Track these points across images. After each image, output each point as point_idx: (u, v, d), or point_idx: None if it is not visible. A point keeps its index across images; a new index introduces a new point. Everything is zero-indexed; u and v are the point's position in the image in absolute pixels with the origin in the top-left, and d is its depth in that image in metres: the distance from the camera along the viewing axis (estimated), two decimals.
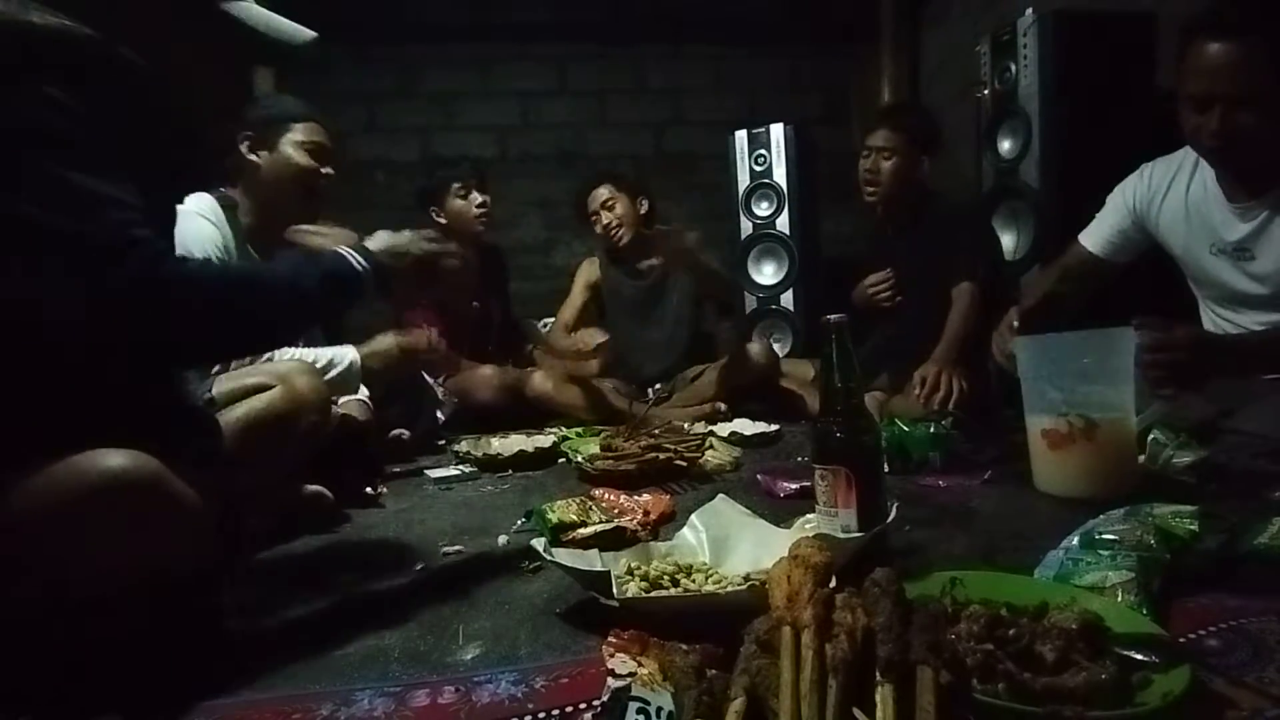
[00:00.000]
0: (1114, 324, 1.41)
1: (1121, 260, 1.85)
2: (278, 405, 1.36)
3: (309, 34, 1.11)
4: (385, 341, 1.94)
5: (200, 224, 1.57)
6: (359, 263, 1.08)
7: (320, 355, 1.70)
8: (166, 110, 0.99)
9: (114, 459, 0.85)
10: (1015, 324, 1.69)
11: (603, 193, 2.74)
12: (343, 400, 1.76)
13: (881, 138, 2.35)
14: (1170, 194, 1.71)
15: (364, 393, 1.85)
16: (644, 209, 2.78)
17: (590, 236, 2.88)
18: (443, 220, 2.71)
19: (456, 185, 2.68)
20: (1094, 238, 1.86)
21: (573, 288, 2.93)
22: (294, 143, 1.74)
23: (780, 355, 2.79)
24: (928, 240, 2.34)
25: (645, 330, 2.78)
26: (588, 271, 2.92)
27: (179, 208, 1.48)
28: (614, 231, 2.71)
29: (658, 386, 2.39)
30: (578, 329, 2.88)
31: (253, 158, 1.72)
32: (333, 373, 1.68)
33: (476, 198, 2.69)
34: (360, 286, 1.08)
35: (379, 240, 1.14)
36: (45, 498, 0.83)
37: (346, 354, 1.74)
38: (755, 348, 2.61)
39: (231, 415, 1.30)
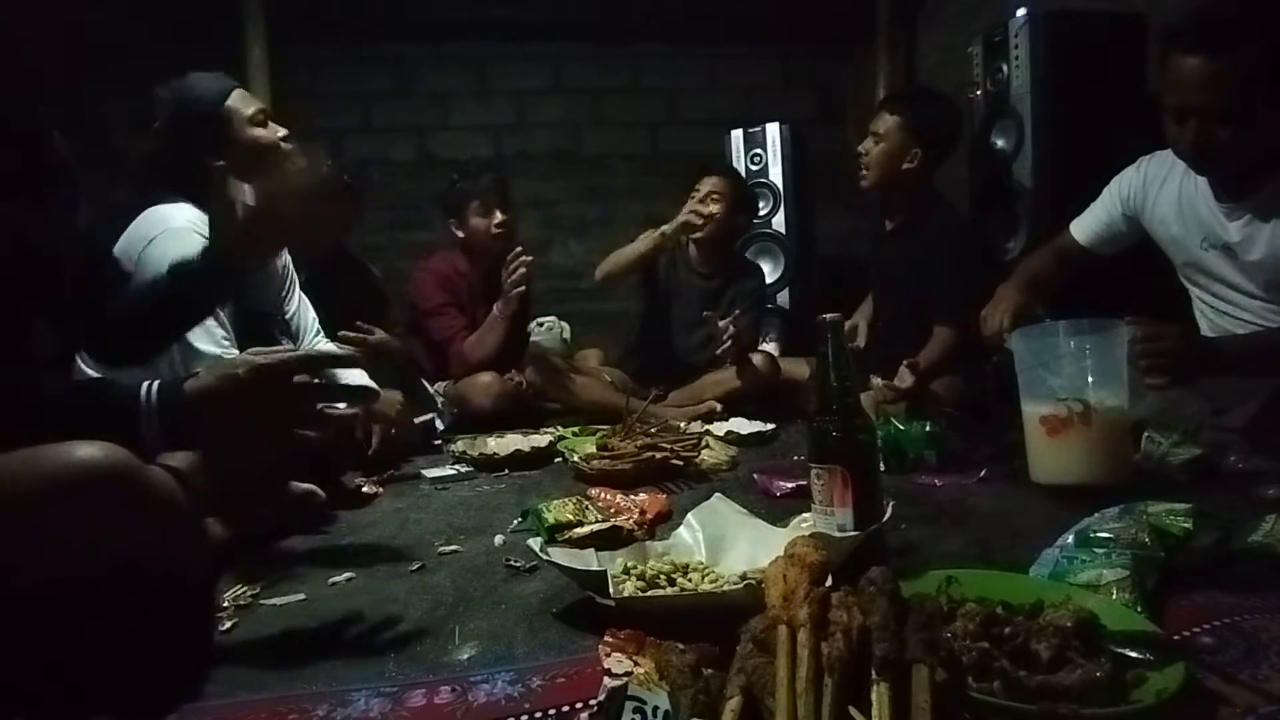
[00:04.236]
0: (1107, 318, 1.44)
1: (1107, 252, 1.86)
2: None
3: None
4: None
5: (200, 241, 1.48)
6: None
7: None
8: None
9: (85, 450, 0.83)
10: (1006, 321, 1.71)
11: (717, 183, 2.61)
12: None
13: (875, 121, 2.36)
14: (1165, 188, 1.72)
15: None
16: (731, 221, 2.66)
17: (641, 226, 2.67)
18: (460, 234, 2.64)
19: (475, 203, 2.59)
20: (1083, 229, 1.88)
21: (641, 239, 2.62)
22: (244, 120, 1.60)
23: (776, 355, 2.79)
24: (922, 249, 2.32)
25: (673, 329, 2.71)
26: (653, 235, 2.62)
27: (176, 223, 1.51)
28: (698, 221, 2.53)
29: (659, 389, 2.38)
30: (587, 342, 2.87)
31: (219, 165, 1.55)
32: None
33: (497, 216, 2.59)
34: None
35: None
36: (16, 489, 0.81)
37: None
38: (757, 358, 2.59)
39: None
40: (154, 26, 2.75)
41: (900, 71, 3.75)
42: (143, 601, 0.90)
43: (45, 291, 1.03)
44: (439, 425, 2.39)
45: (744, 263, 2.87)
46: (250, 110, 1.63)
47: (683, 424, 2.17)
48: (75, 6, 0.99)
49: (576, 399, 2.51)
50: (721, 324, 2.38)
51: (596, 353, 2.92)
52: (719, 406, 2.45)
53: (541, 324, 3.10)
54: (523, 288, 2.47)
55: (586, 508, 1.38)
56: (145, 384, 0.96)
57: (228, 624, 1.04)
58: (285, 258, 1.87)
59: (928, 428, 1.72)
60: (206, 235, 1.51)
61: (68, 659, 0.85)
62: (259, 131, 1.63)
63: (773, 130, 3.23)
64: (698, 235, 2.62)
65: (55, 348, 1.09)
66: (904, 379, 2.05)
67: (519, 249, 2.48)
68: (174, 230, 1.51)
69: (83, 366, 1.33)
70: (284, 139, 1.66)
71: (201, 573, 1.07)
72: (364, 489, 1.74)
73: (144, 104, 1.61)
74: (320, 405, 1.03)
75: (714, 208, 2.60)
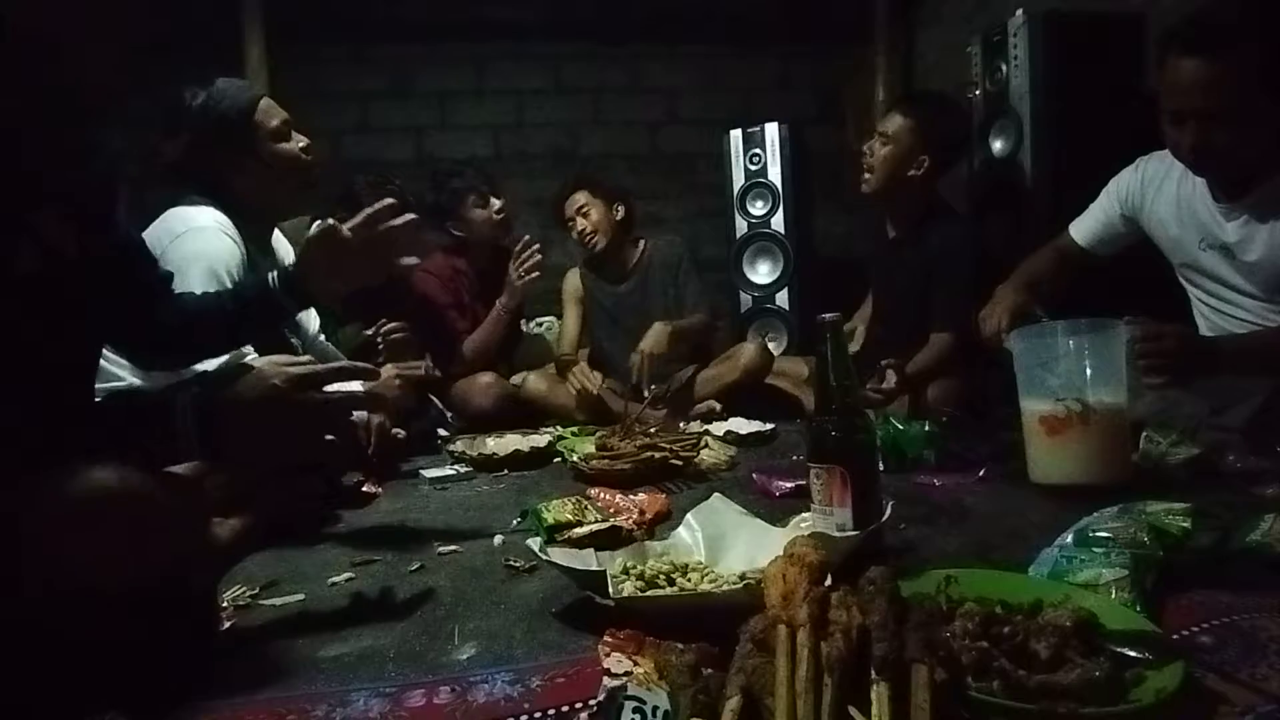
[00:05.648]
0: (1105, 318, 1.45)
1: (1106, 253, 1.87)
2: None
3: None
4: (386, 372, 1.97)
5: (225, 242, 1.56)
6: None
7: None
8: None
9: (102, 473, 0.83)
10: (1005, 321, 1.70)
11: (578, 198, 2.71)
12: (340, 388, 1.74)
13: (885, 121, 2.27)
14: (1163, 189, 1.72)
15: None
16: (620, 214, 2.74)
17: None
18: (461, 234, 2.68)
19: (473, 196, 2.64)
20: (1082, 230, 1.88)
21: (564, 306, 2.89)
22: (269, 134, 1.67)
23: (776, 354, 2.79)
24: (927, 259, 2.23)
25: (627, 337, 2.72)
26: (572, 283, 2.89)
27: (202, 222, 1.54)
28: (588, 239, 2.69)
29: (653, 387, 2.38)
30: (583, 344, 2.87)
31: (240, 173, 1.65)
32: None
33: (495, 204, 2.66)
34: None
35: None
36: (37, 514, 0.81)
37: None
38: (749, 348, 2.60)
39: None
40: (152, 26, 2.75)
41: (898, 72, 3.76)
42: (147, 611, 0.90)
43: (87, 298, 1.03)
44: (442, 431, 2.39)
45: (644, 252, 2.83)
46: (276, 122, 1.69)
47: (682, 424, 2.17)
48: (122, 22, 0.99)
49: (571, 412, 2.51)
50: (675, 379, 2.43)
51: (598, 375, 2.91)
52: (718, 406, 2.45)
53: (540, 324, 3.09)
54: (537, 274, 2.49)
55: (586, 508, 1.38)
56: (180, 394, 0.97)
57: (228, 624, 1.04)
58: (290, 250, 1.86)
59: (927, 428, 1.73)
60: (231, 235, 1.57)
61: (72, 665, 0.85)
62: (284, 146, 1.69)
63: (772, 130, 3.23)
64: (598, 248, 2.69)
65: (86, 353, 1.09)
66: (887, 381, 2.04)
67: (528, 237, 2.51)
68: (199, 228, 1.55)
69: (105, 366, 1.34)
70: (305, 149, 1.72)
71: (205, 581, 1.08)
72: (364, 489, 1.74)
73: (150, 105, 1.58)
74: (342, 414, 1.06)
75: (592, 217, 2.67)
